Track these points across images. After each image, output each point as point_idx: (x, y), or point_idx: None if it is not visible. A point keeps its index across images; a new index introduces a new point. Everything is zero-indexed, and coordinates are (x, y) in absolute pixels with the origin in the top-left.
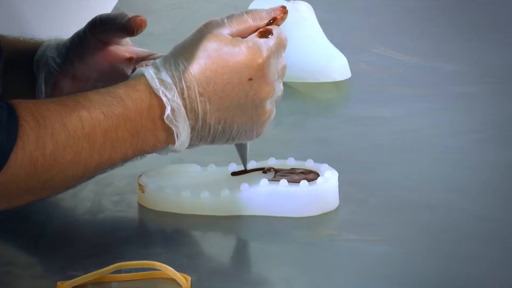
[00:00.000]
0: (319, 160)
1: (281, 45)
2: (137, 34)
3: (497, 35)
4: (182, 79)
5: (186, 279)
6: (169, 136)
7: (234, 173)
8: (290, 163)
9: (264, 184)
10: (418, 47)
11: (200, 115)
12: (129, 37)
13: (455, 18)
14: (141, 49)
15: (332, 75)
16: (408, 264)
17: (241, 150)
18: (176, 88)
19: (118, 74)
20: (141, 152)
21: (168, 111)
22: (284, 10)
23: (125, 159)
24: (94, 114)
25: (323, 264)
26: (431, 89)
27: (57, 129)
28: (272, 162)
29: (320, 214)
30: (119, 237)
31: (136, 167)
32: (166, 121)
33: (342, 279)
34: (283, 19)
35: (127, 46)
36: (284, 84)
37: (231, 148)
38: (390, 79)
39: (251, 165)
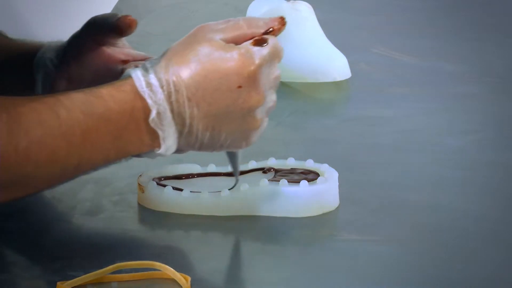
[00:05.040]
0: (319, 160)
1: (275, 55)
2: (127, 34)
3: (497, 35)
4: (171, 82)
5: (186, 279)
6: (155, 140)
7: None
8: (290, 163)
9: (264, 184)
10: (418, 47)
11: (187, 121)
12: (123, 38)
13: (455, 18)
14: (137, 51)
15: (332, 75)
16: (408, 264)
17: (232, 159)
18: (163, 91)
19: (113, 76)
20: (125, 155)
21: (153, 114)
22: (282, 22)
23: (107, 161)
24: (73, 114)
25: (323, 264)
26: (431, 89)
27: (32, 126)
28: (272, 162)
29: (320, 214)
30: (119, 237)
31: (136, 167)
32: (151, 124)
33: (342, 279)
34: (280, 30)
35: (123, 48)
36: (284, 84)
37: None
38: (390, 79)
39: (251, 165)
